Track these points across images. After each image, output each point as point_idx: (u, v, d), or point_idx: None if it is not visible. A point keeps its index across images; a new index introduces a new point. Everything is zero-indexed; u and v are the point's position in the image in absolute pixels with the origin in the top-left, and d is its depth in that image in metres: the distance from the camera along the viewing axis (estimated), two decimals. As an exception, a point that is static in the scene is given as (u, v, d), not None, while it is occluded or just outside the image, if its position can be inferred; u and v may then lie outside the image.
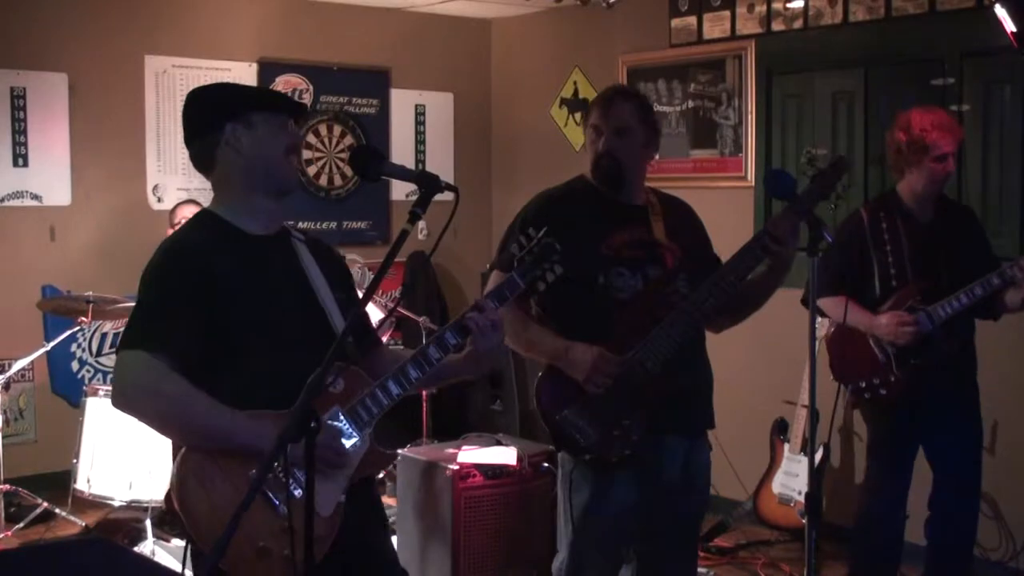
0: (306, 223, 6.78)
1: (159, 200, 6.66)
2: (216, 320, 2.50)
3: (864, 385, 4.15)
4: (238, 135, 2.61)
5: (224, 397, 2.47)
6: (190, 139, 2.72)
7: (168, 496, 4.34)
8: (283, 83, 7.08)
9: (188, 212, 5.81)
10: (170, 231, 5.83)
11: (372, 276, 3.09)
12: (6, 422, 5.78)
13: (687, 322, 3.29)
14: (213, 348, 2.51)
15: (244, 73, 6.95)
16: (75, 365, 6.58)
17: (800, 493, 5.43)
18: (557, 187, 3.53)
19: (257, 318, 2.54)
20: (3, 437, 5.56)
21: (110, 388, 5.34)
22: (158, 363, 2.46)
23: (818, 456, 5.24)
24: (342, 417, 2.53)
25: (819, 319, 3.93)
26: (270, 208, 2.68)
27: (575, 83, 7.31)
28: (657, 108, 6.69)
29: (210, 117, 2.66)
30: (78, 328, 5.76)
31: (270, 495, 2.43)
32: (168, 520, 5.28)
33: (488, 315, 2.65)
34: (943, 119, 4.10)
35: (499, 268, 3.40)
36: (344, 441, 2.52)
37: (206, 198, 6.59)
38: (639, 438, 3.27)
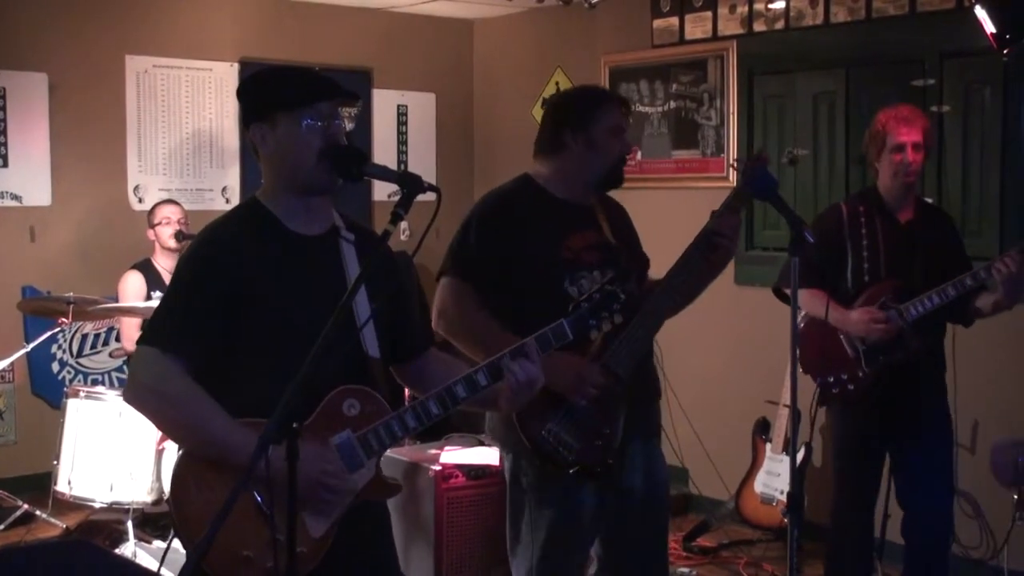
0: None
1: (140, 200, 6.63)
2: (239, 322, 2.45)
3: (832, 380, 4.16)
4: (264, 136, 2.53)
5: (240, 401, 2.42)
6: (242, 124, 2.69)
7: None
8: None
9: (168, 212, 5.78)
10: (149, 232, 5.80)
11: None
12: (-14, 424, 5.76)
13: (650, 325, 3.30)
14: (233, 350, 2.46)
15: (226, 73, 6.94)
16: (56, 366, 6.55)
17: (782, 492, 5.44)
18: (505, 188, 3.44)
19: (282, 323, 2.47)
20: (-17, 439, 5.54)
21: (91, 389, 5.35)
22: (169, 363, 2.42)
23: (800, 456, 5.26)
24: (352, 442, 2.46)
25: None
26: (309, 206, 2.57)
27: (557, 83, 7.32)
28: (639, 108, 6.70)
29: (243, 113, 2.63)
30: (58, 329, 5.73)
31: (263, 506, 2.37)
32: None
33: (528, 370, 2.53)
34: (904, 111, 4.11)
35: (453, 275, 3.32)
36: (347, 465, 2.46)
37: (188, 198, 6.71)
38: (618, 445, 3.27)
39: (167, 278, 5.61)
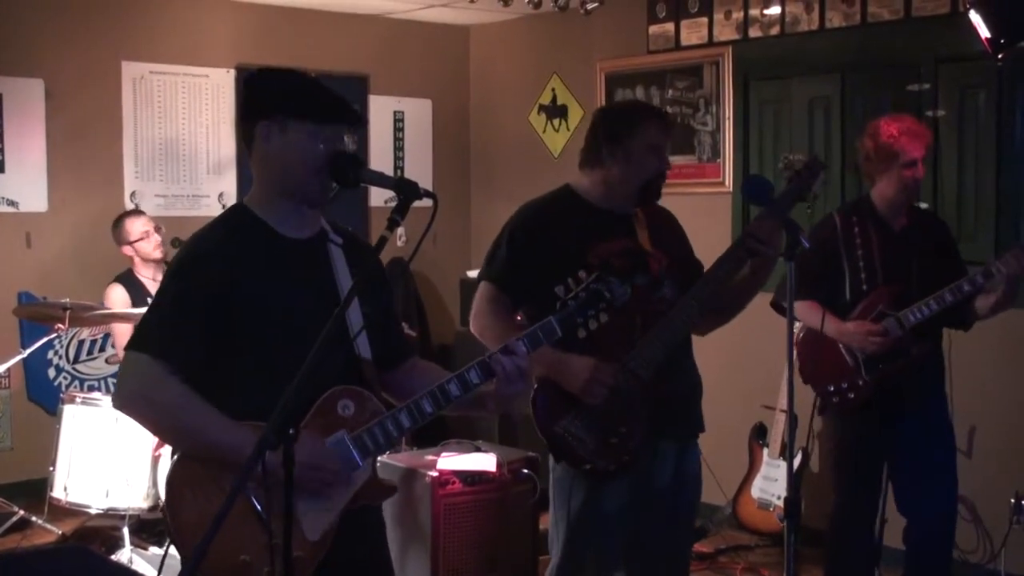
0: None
1: (136, 206, 6.61)
2: (230, 327, 2.45)
3: (832, 389, 4.16)
4: (270, 135, 2.51)
5: (233, 406, 2.42)
6: (239, 117, 2.67)
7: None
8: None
9: (144, 225, 5.72)
10: (126, 248, 5.72)
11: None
12: (-18, 430, 5.75)
13: (675, 328, 3.31)
14: (225, 355, 2.46)
15: (222, 80, 6.94)
16: (52, 372, 6.55)
17: (779, 497, 5.44)
18: (543, 198, 3.51)
19: (273, 328, 2.47)
20: (-21, 445, 5.53)
21: (87, 395, 5.34)
22: (159, 368, 2.42)
23: (797, 461, 5.26)
24: (347, 442, 2.47)
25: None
26: (299, 211, 2.57)
27: (553, 89, 7.32)
28: (635, 114, 6.70)
29: (250, 107, 2.59)
30: (55, 335, 5.71)
31: (259, 509, 2.37)
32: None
33: (516, 361, 2.53)
34: (911, 125, 4.12)
35: (488, 281, 3.43)
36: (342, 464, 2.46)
37: (184, 204, 6.73)
38: (636, 446, 3.29)
39: (151, 287, 5.60)
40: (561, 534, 3.40)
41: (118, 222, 5.81)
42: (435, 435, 5.41)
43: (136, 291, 5.65)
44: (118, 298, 5.65)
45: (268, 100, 2.55)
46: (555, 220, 3.40)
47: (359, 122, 2.60)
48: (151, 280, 5.66)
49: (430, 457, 4.85)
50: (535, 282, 3.30)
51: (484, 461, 4.76)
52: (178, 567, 2.42)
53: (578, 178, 3.49)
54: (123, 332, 5.67)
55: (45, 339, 5.78)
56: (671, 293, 3.37)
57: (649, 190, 3.42)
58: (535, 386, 3.33)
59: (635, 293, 3.07)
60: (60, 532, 5.54)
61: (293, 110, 2.50)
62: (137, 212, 5.92)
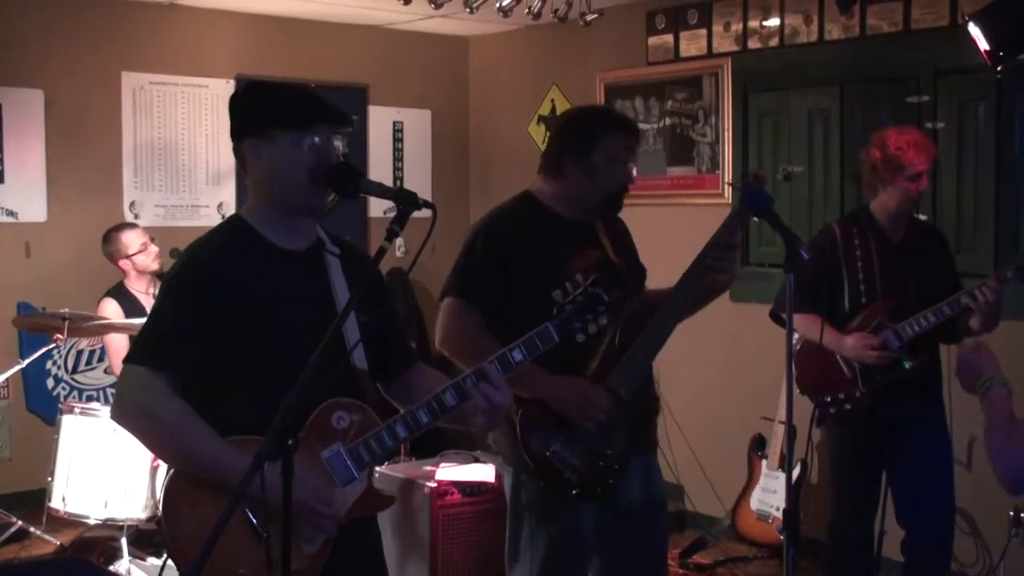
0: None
1: (136, 217, 6.63)
2: (228, 339, 2.44)
3: (830, 400, 4.16)
4: (259, 151, 2.52)
5: (230, 418, 2.42)
6: (231, 135, 2.65)
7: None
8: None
9: (141, 238, 5.68)
10: (123, 262, 5.69)
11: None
12: (-20, 440, 5.74)
13: (652, 346, 3.29)
14: (223, 367, 2.45)
15: (222, 90, 6.95)
16: (50, 382, 6.54)
17: (778, 509, 5.44)
18: (508, 205, 3.43)
19: (271, 338, 2.47)
20: (-23, 455, 5.52)
21: (86, 405, 5.33)
22: (158, 382, 2.41)
23: (796, 472, 5.25)
24: (343, 455, 2.46)
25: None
26: (296, 224, 2.57)
27: (552, 100, 7.33)
28: (634, 125, 6.71)
29: (236, 127, 2.60)
30: (53, 345, 5.70)
31: (255, 523, 2.37)
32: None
33: (489, 395, 2.49)
34: (918, 138, 4.14)
35: (456, 296, 3.34)
36: (338, 479, 2.45)
37: (184, 214, 6.74)
38: (620, 465, 3.26)
39: (143, 300, 5.58)
40: (539, 555, 3.30)
41: (110, 236, 5.76)
42: (434, 446, 5.41)
43: (129, 304, 5.61)
44: (112, 312, 5.59)
45: (250, 117, 2.57)
46: (526, 230, 3.32)
47: (343, 120, 2.57)
48: (143, 293, 5.64)
49: (429, 468, 4.85)
50: (505, 293, 3.23)
51: (483, 472, 4.76)
52: (177, 578, 2.42)
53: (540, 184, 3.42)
54: (117, 345, 5.64)
55: (44, 349, 5.76)
56: (637, 306, 3.32)
57: (609, 202, 3.38)
58: (519, 411, 3.22)
59: (611, 307, 3.06)
60: (58, 543, 5.53)
61: (274, 121, 2.51)
62: (130, 225, 5.89)
